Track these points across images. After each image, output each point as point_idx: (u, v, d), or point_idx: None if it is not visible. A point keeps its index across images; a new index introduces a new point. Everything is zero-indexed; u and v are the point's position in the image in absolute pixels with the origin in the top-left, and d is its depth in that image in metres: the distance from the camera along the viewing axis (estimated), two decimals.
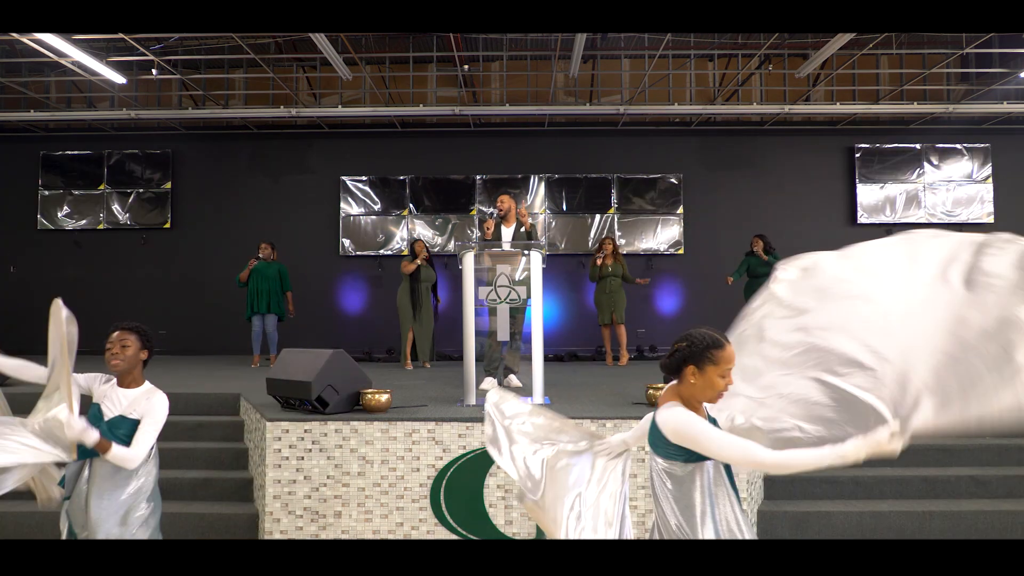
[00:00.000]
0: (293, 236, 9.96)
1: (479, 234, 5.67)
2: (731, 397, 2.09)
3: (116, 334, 2.69)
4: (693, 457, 1.95)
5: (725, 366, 1.96)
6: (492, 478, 4.10)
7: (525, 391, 5.18)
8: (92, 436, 2.43)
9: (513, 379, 5.54)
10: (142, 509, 2.64)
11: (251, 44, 8.31)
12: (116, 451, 2.51)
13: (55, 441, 2.38)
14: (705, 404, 2.05)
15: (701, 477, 1.97)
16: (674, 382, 2.06)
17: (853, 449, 1.75)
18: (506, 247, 5.19)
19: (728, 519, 1.98)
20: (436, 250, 9.79)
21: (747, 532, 2.02)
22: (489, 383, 5.19)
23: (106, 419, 2.62)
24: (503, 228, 5.74)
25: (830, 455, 1.79)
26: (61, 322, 2.47)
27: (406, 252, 9.84)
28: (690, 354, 1.98)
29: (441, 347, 8.83)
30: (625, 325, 8.18)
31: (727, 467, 2.03)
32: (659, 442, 2.00)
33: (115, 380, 2.70)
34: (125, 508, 2.60)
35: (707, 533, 1.95)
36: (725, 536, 1.97)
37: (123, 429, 2.59)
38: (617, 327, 8.08)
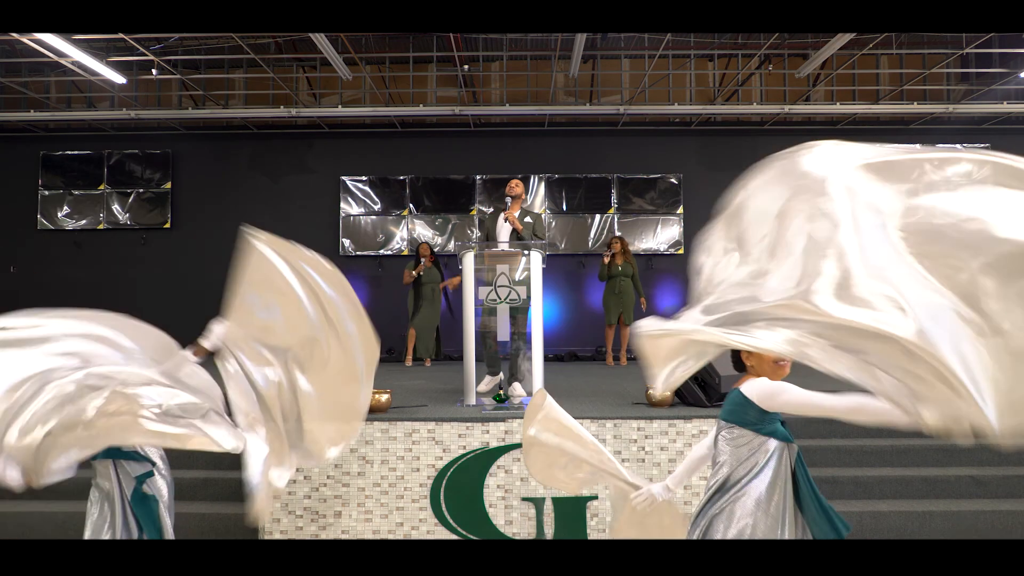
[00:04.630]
0: (293, 236, 9.83)
1: (479, 232, 5.54)
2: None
3: None
4: (766, 431, 2.20)
5: None
6: (492, 478, 4.10)
7: (524, 392, 5.17)
8: None
9: (517, 387, 5.12)
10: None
11: (251, 44, 8.31)
12: None
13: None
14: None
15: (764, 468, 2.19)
16: (746, 375, 2.35)
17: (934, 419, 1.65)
18: (503, 246, 5.10)
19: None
20: (436, 250, 9.79)
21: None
22: (486, 384, 5.16)
23: None
24: (500, 216, 5.49)
25: (910, 419, 1.72)
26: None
27: (406, 252, 9.87)
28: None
29: (445, 347, 8.84)
30: (631, 327, 8.19)
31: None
32: (744, 409, 2.23)
33: None
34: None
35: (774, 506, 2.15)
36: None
37: None
38: (623, 328, 8.08)
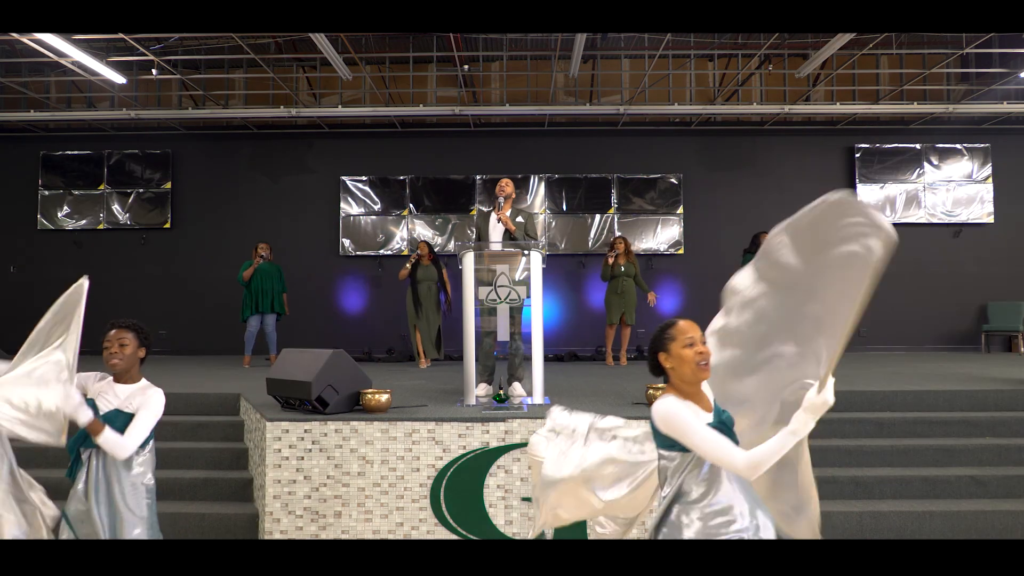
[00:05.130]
0: (293, 236, 9.96)
1: (476, 232, 5.47)
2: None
3: (113, 332, 2.68)
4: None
5: (684, 336, 2.03)
6: (492, 478, 4.10)
7: (524, 391, 5.17)
8: (86, 415, 2.47)
9: (517, 387, 5.17)
10: (143, 507, 2.64)
11: (251, 44, 8.31)
12: (108, 435, 2.52)
13: (47, 417, 2.41)
14: (709, 390, 2.12)
15: (700, 467, 1.98)
16: (667, 386, 2.12)
17: (800, 422, 1.87)
18: (494, 246, 5.08)
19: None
20: (436, 250, 9.79)
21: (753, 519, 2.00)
22: (482, 390, 5.15)
23: (102, 413, 2.63)
24: (493, 216, 5.45)
25: (785, 437, 1.87)
26: (82, 297, 2.51)
27: (406, 252, 9.88)
28: (653, 346, 2.09)
29: (445, 347, 8.80)
30: (632, 328, 8.19)
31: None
32: (656, 433, 2.05)
33: (111, 378, 2.70)
34: (126, 504, 2.60)
35: (694, 526, 1.96)
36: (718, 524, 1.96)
37: (118, 423, 2.59)
38: (624, 328, 8.07)
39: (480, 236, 5.44)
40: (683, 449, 1.98)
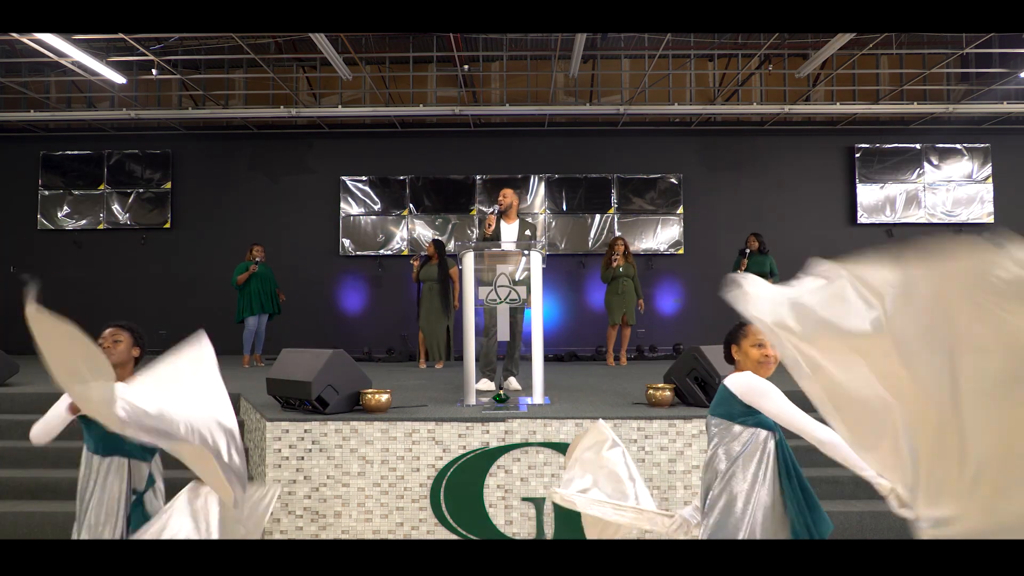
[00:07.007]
0: (293, 236, 9.96)
1: (479, 231, 5.55)
2: None
3: (109, 331, 2.72)
4: (752, 422, 2.23)
5: (754, 336, 2.30)
6: (492, 478, 4.10)
7: (525, 392, 5.18)
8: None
9: (513, 381, 5.47)
10: (156, 508, 2.66)
11: (251, 44, 8.31)
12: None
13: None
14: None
15: (764, 445, 2.23)
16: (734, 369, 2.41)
17: (888, 489, 1.91)
18: (507, 246, 5.12)
19: (763, 501, 2.20)
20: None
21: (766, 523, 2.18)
22: (484, 385, 5.18)
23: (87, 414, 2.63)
24: (503, 224, 5.56)
25: (870, 476, 1.99)
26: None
27: (406, 252, 9.88)
28: (727, 338, 2.41)
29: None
30: (632, 328, 8.17)
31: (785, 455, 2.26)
32: (723, 403, 2.29)
33: None
34: (137, 505, 2.62)
35: (739, 501, 2.19)
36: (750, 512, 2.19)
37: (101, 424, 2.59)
38: (625, 328, 8.06)
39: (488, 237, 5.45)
40: (754, 424, 2.22)
